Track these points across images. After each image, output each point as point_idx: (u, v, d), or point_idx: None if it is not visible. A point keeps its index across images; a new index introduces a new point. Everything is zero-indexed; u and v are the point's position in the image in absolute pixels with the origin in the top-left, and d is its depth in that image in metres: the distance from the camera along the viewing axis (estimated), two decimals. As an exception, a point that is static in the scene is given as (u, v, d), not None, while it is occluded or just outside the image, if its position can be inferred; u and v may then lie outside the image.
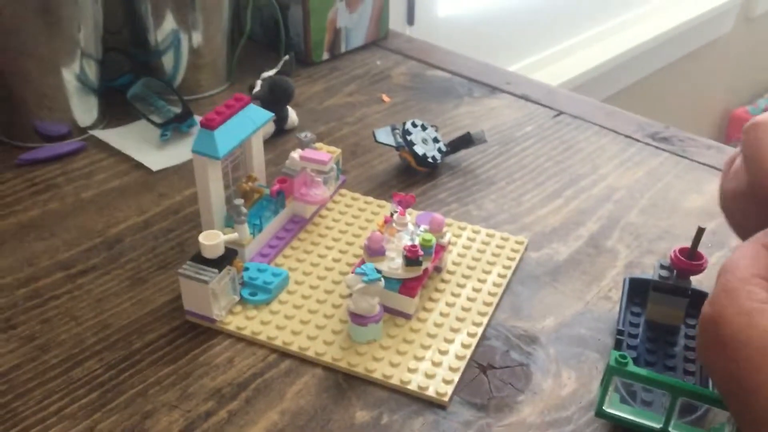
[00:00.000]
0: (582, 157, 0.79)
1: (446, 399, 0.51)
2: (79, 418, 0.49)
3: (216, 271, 0.55)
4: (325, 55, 0.97)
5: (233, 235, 0.58)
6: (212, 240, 0.55)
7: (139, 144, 0.78)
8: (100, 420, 0.49)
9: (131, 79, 0.85)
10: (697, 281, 0.57)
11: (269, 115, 0.63)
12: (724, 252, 0.65)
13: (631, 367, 0.45)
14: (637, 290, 0.58)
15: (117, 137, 0.79)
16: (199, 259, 0.55)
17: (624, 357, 0.45)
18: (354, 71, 0.96)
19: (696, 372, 0.52)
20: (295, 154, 0.66)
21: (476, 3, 1.37)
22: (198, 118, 0.81)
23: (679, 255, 0.54)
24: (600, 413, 0.47)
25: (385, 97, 0.89)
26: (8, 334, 0.55)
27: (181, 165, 0.75)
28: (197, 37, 0.86)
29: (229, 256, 0.56)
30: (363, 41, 1.01)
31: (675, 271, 0.54)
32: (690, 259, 0.54)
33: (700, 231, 0.53)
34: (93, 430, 0.48)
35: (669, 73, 1.86)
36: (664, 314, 0.55)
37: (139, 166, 0.75)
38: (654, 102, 1.83)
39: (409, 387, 0.52)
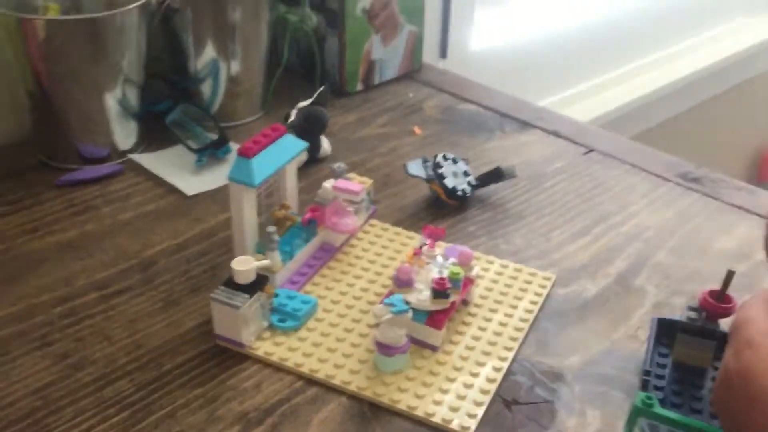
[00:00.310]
0: (612, 194, 0.79)
1: (470, 433, 0.51)
2: (109, 436, 0.50)
3: (247, 296, 0.56)
4: (359, 86, 0.99)
5: (265, 262, 0.59)
6: (245, 266, 0.56)
7: (176, 169, 0.80)
8: (130, 439, 0.50)
9: (170, 105, 0.87)
10: (726, 324, 0.57)
11: (304, 145, 0.64)
12: (754, 295, 0.65)
13: (657, 409, 0.45)
14: (665, 331, 0.58)
15: (154, 161, 0.81)
16: (232, 284, 0.57)
17: (650, 398, 0.45)
18: (387, 103, 0.97)
19: (723, 416, 0.52)
20: (328, 184, 0.67)
21: (509, 37, 1.38)
22: (234, 145, 0.83)
23: (708, 297, 0.54)
24: (624, 454, 0.47)
25: (417, 130, 0.91)
26: (43, 351, 0.57)
27: (216, 190, 0.77)
28: (235, 66, 0.88)
29: (260, 282, 0.57)
30: (396, 73, 1.02)
31: (704, 313, 0.54)
32: (719, 301, 0.54)
33: (730, 274, 0.53)
34: (122, 449, 0.49)
35: (702, 111, 1.85)
36: (692, 356, 0.55)
37: (174, 190, 0.77)
38: (686, 140, 1.83)
39: (434, 419, 0.52)
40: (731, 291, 0.55)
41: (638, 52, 1.69)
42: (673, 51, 1.77)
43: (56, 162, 0.80)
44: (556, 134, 0.90)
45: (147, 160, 0.82)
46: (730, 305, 0.54)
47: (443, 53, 1.25)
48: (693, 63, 1.76)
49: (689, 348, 0.55)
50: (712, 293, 0.54)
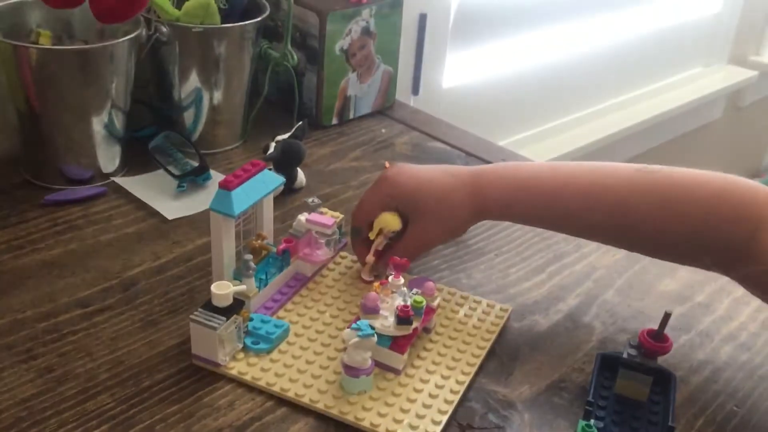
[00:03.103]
0: (567, 235, 0.84)
1: (427, 452, 0.56)
2: (91, 447, 0.54)
3: (224, 318, 0.60)
4: (335, 120, 1.04)
5: (242, 287, 0.63)
6: (223, 290, 0.60)
7: (157, 193, 0.84)
8: (110, 450, 0.54)
9: (154, 131, 0.91)
10: (663, 361, 0.62)
11: (281, 180, 0.69)
12: (691, 335, 0.71)
13: (595, 436, 0.50)
14: (608, 365, 0.63)
15: (136, 185, 0.85)
16: (210, 306, 0.61)
17: (589, 426, 0.50)
18: (360, 137, 1.02)
19: (656, 445, 0.57)
20: (302, 217, 0.72)
21: (478, 76, 1.44)
22: (214, 173, 0.87)
23: (646, 336, 0.60)
24: (565, 476, 0.52)
25: (388, 165, 0.95)
26: (29, 365, 0.60)
27: (195, 215, 0.81)
28: (218, 96, 0.92)
29: (236, 306, 0.61)
30: (370, 109, 1.07)
31: (642, 351, 0.60)
32: (656, 340, 0.59)
33: (667, 316, 0.59)
34: (103, 459, 0.53)
35: (658, 155, 1.94)
36: (631, 389, 0.61)
37: (155, 213, 0.81)
38: (643, 180, 1.91)
39: (394, 438, 0.56)
40: (670, 330, 0.61)
41: (602, 94, 1.77)
42: (633, 95, 1.85)
43: (41, 181, 0.83)
44: (518, 175, 0.96)
45: (129, 183, 0.85)
46: (665, 344, 0.59)
47: (416, 90, 1.31)
48: (652, 107, 1.84)
49: (629, 382, 0.60)
50: (650, 332, 0.60)
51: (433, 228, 0.70)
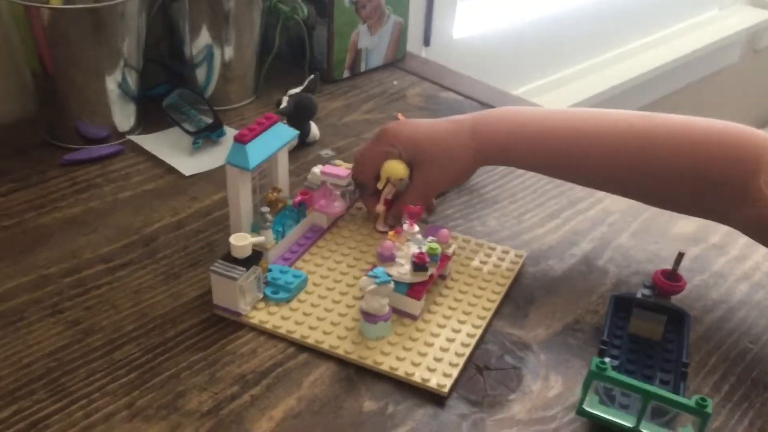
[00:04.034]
0: (581, 181, 0.85)
1: (446, 390, 0.57)
2: (120, 394, 0.56)
3: (244, 269, 0.61)
4: (346, 73, 1.04)
5: (260, 238, 0.64)
6: (241, 242, 0.61)
7: (173, 150, 0.85)
8: (139, 397, 0.55)
9: (167, 89, 0.91)
10: (677, 300, 0.63)
11: (295, 132, 0.69)
12: (705, 276, 0.71)
13: (609, 372, 0.51)
14: (622, 306, 0.64)
15: (152, 143, 0.86)
16: (229, 258, 0.62)
17: (603, 363, 0.51)
18: (372, 90, 1.02)
19: (670, 382, 0.58)
20: (317, 170, 0.73)
21: (489, 26, 1.43)
22: (228, 129, 0.88)
23: (660, 276, 0.60)
24: (580, 412, 0.54)
25: (401, 116, 0.96)
26: (56, 318, 0.62)
27: (211, 171, 0.82)
28: (229, 52, 0.92)
29: (255, 258, 0.63)
30: (382, 61, 1.07)
31: (656, 291, 0.61)
32: (670, 280, 0.60)
33: (680, 256, 0.59)
34: (132, 406, 0.55)
35: (673, 101, 1.92)
36: (645, 329, 0.62)
37: (172, 170, 0.82)
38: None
39: (413, 378, 0.58)
40: (683, 271, 0.62)
41: (615, 41, 1.75)
42: (649, 40, 1.82)
43: (59, 141, 0.85)
44: (531, 123, 0.96)
45: (145, 141, 0.86)
46: (679, 284, 0.60)
47: (427, 41, 1.30)
48: (667, 53, 1.82)
49: (643, 321, 0.61)
50: (664, 272, 0.61)
51: (436, 174, 0.71)
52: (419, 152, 0.70)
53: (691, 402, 0.50)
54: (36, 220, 0.73)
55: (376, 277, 0.59)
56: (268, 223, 0.66)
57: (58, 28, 0.78)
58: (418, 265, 0.62)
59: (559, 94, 1.60)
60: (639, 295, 0.61)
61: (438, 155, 0.71)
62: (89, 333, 0.61)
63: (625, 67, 1.73)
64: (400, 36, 1.07)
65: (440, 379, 0.58)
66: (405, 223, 0.66)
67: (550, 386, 0.59)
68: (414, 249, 0.64)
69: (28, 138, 0.85)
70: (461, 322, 0.63)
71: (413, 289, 0.63)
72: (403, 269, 0.63)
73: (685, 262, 0.62)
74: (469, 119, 0.72)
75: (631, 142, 0.66)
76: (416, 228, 0.66)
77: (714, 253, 0.74)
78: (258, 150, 0.65)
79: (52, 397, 0.55)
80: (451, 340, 0.61)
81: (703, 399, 0.50)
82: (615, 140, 0.67)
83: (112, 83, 0.83)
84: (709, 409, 0.49)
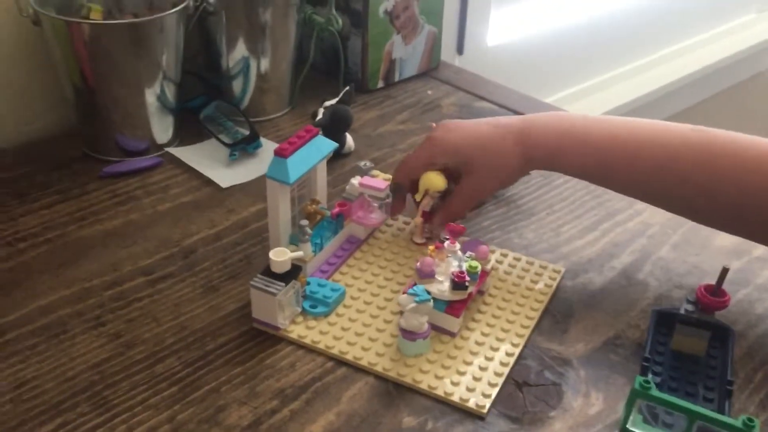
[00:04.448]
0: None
1: (485, 411, 0.57)
2: (162, 408, 0.56)
3: (283, 284, 0.61)
4: (380, 84, 1.04)
5: (299, 253, 0.64)
6: (281, 257, 0.62)
7: (210, 162, 0.86)
8: (180, 411, 0.56)
9: (204, 101, 0.92)
10: (720, 316, 0.62)
11: (334, 145, 0.69)
12: (749, 290, 0.70)
13: (653, 391, 0.50)
14: (664, 322, 0.63)
15: (190, 155, 0.87)
16: (268, 272, 0.62)
17: (647, 381, 0.51)
18: (406, 100, 1.02)
19: (714, 399, 0.57)
20: (355, 181, 0.73)
21: (523, 33, 1.42)
22: (264, 141, 0.88)
23: (704, 291, 0.59)
24: (624, 431, 0.53)
25: (434, 126, 0.95)
26: (98, 331, 0.63)
27: (248, 183, 0.82)
28: (265, 64, 0.93)
29: (294, 272, 0.63)
30: (416, 71, 1.07)
31: (700, 306, 0.60)
32: (714, 295, 0.59)
33: (725, 271, 0.58)
34: (174, 420, 0.55)
35: (710, 106, 1.89)
36: (689, 345, 0.61)
37: (209, 182, 0.83)
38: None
39: (452, 398, 0.58)
40: (727, 285, 0.61)
41: (649, 46, 1.73)
42: (684, 45, 1.80)
43: (99, 154, 0.86)
44: (567, 133, 0.95)
45: (183, 153, 0.87)
46: (724, 299, 0.59)
47: (460, 50, 1.30)
48: (704, 57, 1.79)
49: (686, 337, 0.60)
50: (707, 287, 0.60)
51: (485, 180, 0.71)
52: (468, 160, 0.70)
53: (738, 422, 0.49)
54: (77, 233, 0.74)
55: (416, 295, 0.59)
56: (307, 236, 0.66)
57: (99, 43, 0.79)
58: (458, 283, 0.62)
59: (593, 101, 1.59)
60: (682, 311, 0.60)
61: (487, 162, 0.70)
62: (131, 346, 0.61)
63: (659, 73, 1.71)
64: (434, 45, 1.07)
65: (479, 399, 0.57)
66: (446, 239, 0.66)
67: (591, 403, 0.58)
68: (454, 266, 0.64)
69: (68, 151, 0.86)
70: (500, 340, 0.63)
71: (452, 307, 0.62)
72: (442, 286, 0.62)
73: (730, 276, 0.61)
74: (517, 123, 0.71)
75: (685, 157, 0.65)
76: (457, 245, 0.66)
77: (758, 265, 0.73)
78: (298, 163, 0.65)
79: (95, 410, 0.56)
80: (489, 359, 0.61)
81: (750, 419, 0.49)
82: (668, 153, 0.66)
83: (151, 96, 0.84)
84: (757, 430, 0.49)
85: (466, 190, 0.71)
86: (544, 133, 0.70)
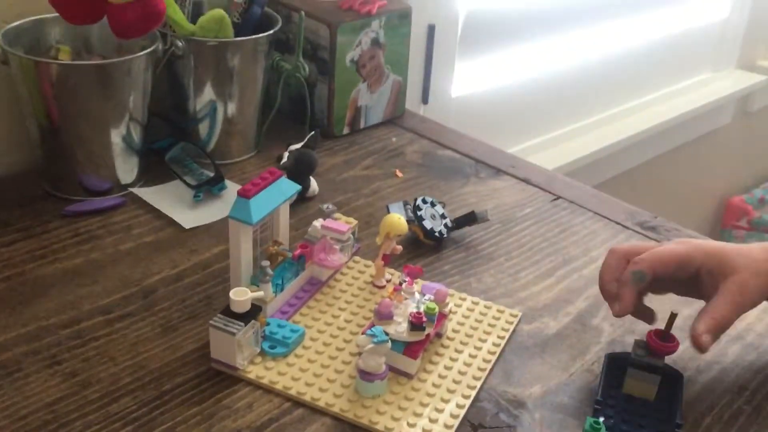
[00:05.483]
0: (575, 239, 0.86)
1: (440, 452, 0.57)
2: (115, 448, 0.56)
3: (242, 324, 0.62)
4: (346, 130, 1.06)
5: (259, 293, 0.65)
6: (241, 296, 0.62)
7: (174, 203, 0.86)
8: (134, 451, 0.55)
9: (170, 142, 0.93)
10: (671, 361, 0.64)
11: (297, 187, 0.71)
12: (699, 336, 0.72)
13: (603, 432, 0.51)
14: (617, 366, 0.64)
15: (154, 195, 0.87)
16: (228, 312, 0.63)
17: (597, 423, 0.52)
18: (371, 146, 1.04)
19: (664, 443, 0.59)
20: (317, 223, 0.74)
21: (486, 86, 1.46)
22: (228, 183, 0.89)
23: (653, 336, 0.61)
24: (575, 472, 0.54)
25: (399, 173, 0.97)
26: (53, 369, 0.62)
27: (211, 224, 0.83)
28: (232, 108, 0.95)
29: (254, 312, 0.63)
30: (381, 119, 1.09)
31: (650, 350, 0.61)
32: (663, 340, 0.61)
33: (673, 316, 0.60)
34: (127, 460, 0.55)
35: (667, 160, 1.95)
36: (640, 389, 0.62)
37: (172, 222, 0.83)
38: (651, 187, 1.92)
39: (408, 439, 0.58)
40: (676, 331, 0.62)
41: (609, 101, 1.78)
42: (643, 101, 1.86)
43: (62, 193, 0.86)
44: (526, 181, 0.98)
45: (147, 194, 0.88)
46: (673, 344, 0.61)
47: (425, 99, 1.33)
48: (661, 113, 1.85)
49: (637, 381, 0.62)
50: (657, 332, 0.61)
51: (752, 283, 0.64)
52: (727, 260, 0.65)
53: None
54: (36, 271, 0.74)
55: (374, 335, 0.60)
56: (268, 277, 0.67)
57: (66, 83, 0.80)
58: (416, 324, 0.63)
59: (554, 153, 1.63)
60: (633, 355, 0.62)
61: (747, 264, 0.65)
62: (86, 385, 0.61)
63: (620, 126, 1.76)
64: (399, 94, 1.10)
65: (436, 439, 0.58)
66: (404, 281, 0.67)
67: (545, 446, 0.59)
68: (412, 307, 0.65)
69: (31, 189, 0.86)
70: (456, 382, 0.64)
71: (410, 348, 0.63)
72: (400, 327, 0.63)
73: (678, 322, 0.63)
74: (758, 246, 0.67)
75: None
76: (415, 287, 0.67)
77: (707, 313, 0.75)
78: (261, 205, 0.66)
79: (47, 450, 0.55)
80: (446, 401, 0.62)
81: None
82: None
83: (116, 137, 0.85)
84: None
85: (731, 292, 0.63)
86: None
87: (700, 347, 0.62)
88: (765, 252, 0.66)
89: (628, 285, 0.64)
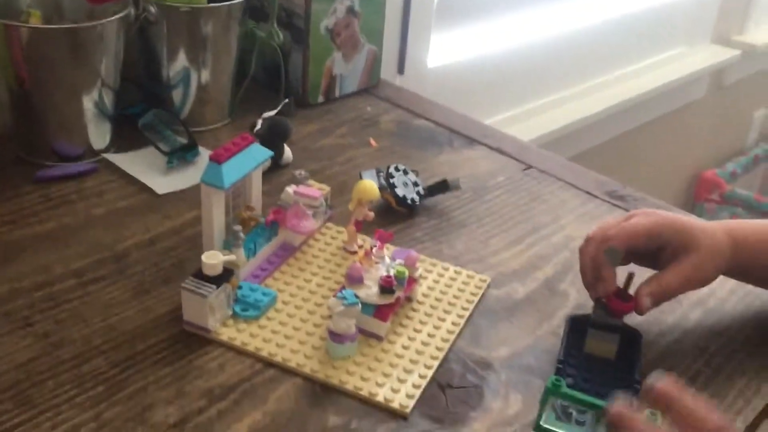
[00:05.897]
0: (545, 208, 0.87)
1: (407, 411, 0.59)
2: (87, 407, 0.56)
3: (214, 287, 0.63)
4: (321, 98, 1.06)
5: (231, 257, 0.66)
6: (213, 260, 0.63)
7: (147, 169, 0.86)
8: (105, 410, 0.56)
9: (143, 108, 0.93)
10: (636, 324, 0.66)
11: (269, 153, 0.71)
12: (662, 300, 0.74)
13: (563, 389, 0.53)
14: (578, 327, 0.66)
15: (127, 161, 0.87)
16: (200, 275, 0.63)
17: (558, 380, 0.53)
18: (346, 115, 1.04)
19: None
20: (290, 189, 0.74)
21: (462, 56, 1.47)
22: (202, 150, 0.89)
23: (612, 296, 0.63)
24: (538, 428, 0.55)
25: (373, 142, 0.98)
26: (26, 331, 0.63)
27: (185, 190, 0.83)
28: (206, 75, 0.94)
29: (226, 275, 0.64)
30: (356, 88, 1.10)
31: (608, 310, 0.63)
32: (622, 300, 0.63)
33: (630, 276, 0.62)
34: (99, 418, 0.56)
35: (641, 133, 1.97)
36: (600, 348, 0.64)
37: (145, 188, 0.83)
38: (625, 160, 1.94)
39: (377, 399, 0.59)
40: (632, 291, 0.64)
41: (585, 74, 1.79)
42: (619, 74, 1.88)
43: (33, 158, 0.85)
44: (499, 151, 0.99)
45: (120, 159, 0.88)
46: (629, 303, 0.63)
47: (401, 70, 1.33)
48: (636, 87, 1.87)
49: (597, 341, 0.64)
50: (616, 292, 0.63)
51: (708, 264, 0.67)
52: (692, 237, 0.66)
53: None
54: (8, 236, 0.74)
55: (344, 298, 0.61)
56: (240, 241, 0.67)
57: (37, 47, 0.79)
58: (386, 288, 0.64)
59: (529, 124, 1.64)
60: (593, 316, 0.64)
61: (710, 243, 0.67)
62: (58, 346, 0.61)
63: (595, 99, 1.78)
64: (374, 64, 1.10)
65: (403, 400, 0.59)
66: (375, 245, 0.68)
67: (510, 404, 0.61)
68: (382, 271, 0.66)
69: (2, 154, 0.86)
70: (425, 344, 0.65)
71: (380, 311, 0.64)
72: (370, 291, 0.64)
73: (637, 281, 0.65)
74: (720, 227, 0.69)
75: None
76: (385, 251, 0.68)
77: (671, 279, 0.77)
78: (233, 170, 0.67)
79: (19, 407, 0.56)
80: (414, 362, 0.63)
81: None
82: None
83: (88, 102, 0.84)
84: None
85: (685, 267, 0.65)
86: (758, 244, 0.69)
87: (639, 308, 0.64)
88: (725, 234, 0.68)
89: (606, 265, 0.65)
